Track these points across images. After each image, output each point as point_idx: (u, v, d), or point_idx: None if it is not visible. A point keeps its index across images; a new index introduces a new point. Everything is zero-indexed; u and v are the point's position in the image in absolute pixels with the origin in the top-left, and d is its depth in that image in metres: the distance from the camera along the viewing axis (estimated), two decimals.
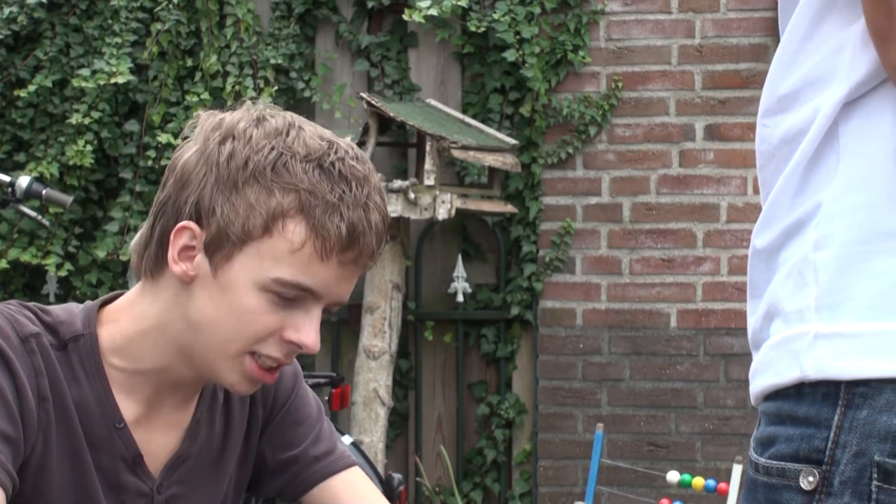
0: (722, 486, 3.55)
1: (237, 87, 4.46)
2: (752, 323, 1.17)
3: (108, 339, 1.46)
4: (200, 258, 1.41)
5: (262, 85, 4.49)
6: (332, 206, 1.37)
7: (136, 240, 1.49)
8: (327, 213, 1.37)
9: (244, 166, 1.38)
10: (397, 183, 4.02)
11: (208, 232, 1.40)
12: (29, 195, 3.35)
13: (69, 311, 1.47)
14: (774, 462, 1.10)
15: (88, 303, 1.50)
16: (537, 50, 4.40)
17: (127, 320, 1.47)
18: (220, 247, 1.40)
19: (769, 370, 1.12)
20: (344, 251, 1.39)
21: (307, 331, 1.41)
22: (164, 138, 4.38)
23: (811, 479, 1.06)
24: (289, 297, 1.39)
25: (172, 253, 1.42)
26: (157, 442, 1.51)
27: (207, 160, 1.40)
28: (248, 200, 1.38)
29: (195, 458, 1.54)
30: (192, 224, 1.40)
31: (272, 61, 4.51)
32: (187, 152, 1.43)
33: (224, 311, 1.40)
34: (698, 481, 3.57)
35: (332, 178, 1.38)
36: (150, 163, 4.45)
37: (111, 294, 1.52)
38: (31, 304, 1.46)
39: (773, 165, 1.16)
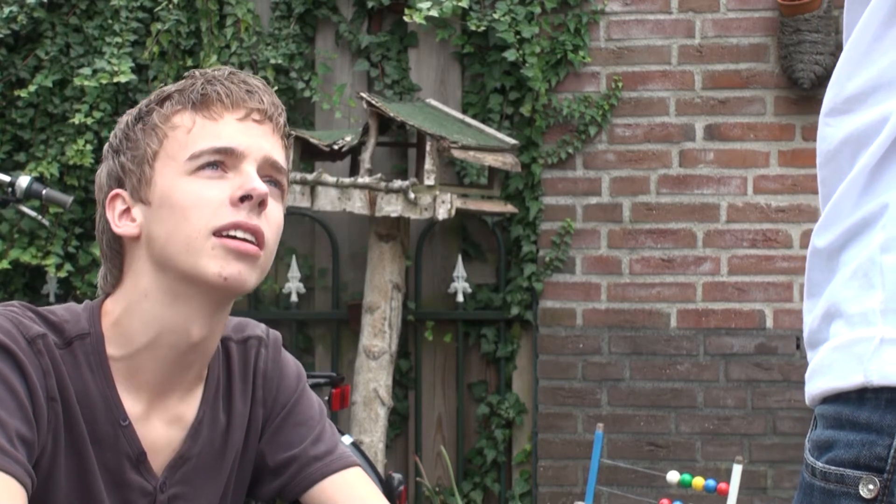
0: (722, 486, 3.55)
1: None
2: (809, 322, 1.14)
3: (108, 332, 1.49)
4: (136, 209, 1.49)
5: None
6: (204, 84, 1.50)
7: (99, 276, 1.56)
8: (201, 89, 1.50)
9: (133, 120, 1.53)
10: (397, 183, 4.01)
11: (129, 183, 1.49)
12: (29, 195, 3.35)
13: (72, 311, 1.49)
14: (833, 467, 1.07)
15: (89, 302, 1.52)
16: (537, 50, 4.40)
17: (116, 309, 1.50)
18: (141, 182, 1.48)
19: (830, 372, 1.09)
20: (233, 109, 1.49)
21: (248, 182, 1.46)
22: None
23: (871, 486, 1.03)
24: (216, 166, 1.46)
25: (114, 222, 1.49)
26: (160, 438, 1.51)
27: (110, 145, 1.54)
28: (140, 133, 1.51)
29: (197, 457, 1.54)
30: (116, 190, 1.51)
31: (272, 61, 4.51)
32: None
33: (174, 216, 1.45)
34: (698, 481, 3.57)
35: (194, 76, 1.54)
36: None
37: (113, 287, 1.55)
38: (32, 306, 1.48)
39: (833, 165, 1.13)
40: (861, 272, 1.08)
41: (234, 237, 1.44)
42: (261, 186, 1.45)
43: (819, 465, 1.09)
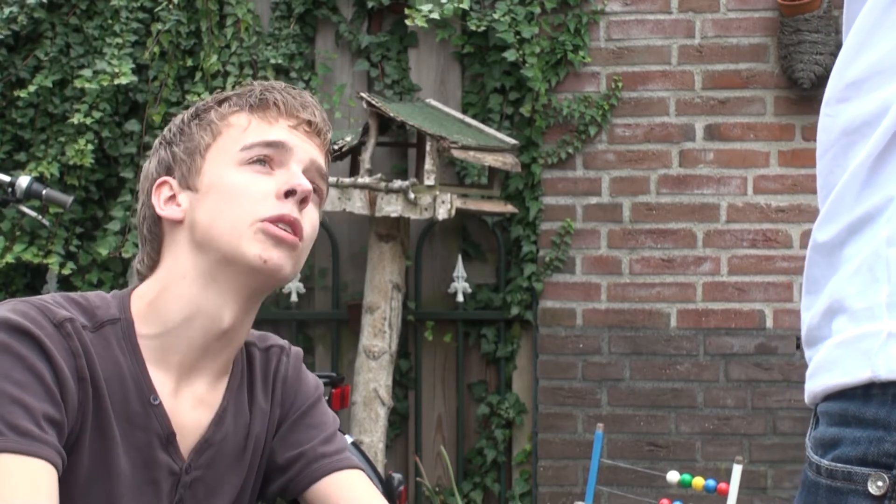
0: (722, 486, 3.55)
1: (237, 87, 4.46)
2: (809, 319, 1.12)
3: (137, 316, 1.53)
4: (182, 195, 1.55)
5: None
6: (264, 90, 1.60)
7: (136, 261, 1.61)
8: (260, 95, 1.59)
9: (190, 116, 1.60)
10: (397, 183, 4.01)
11: (179, 171, 1.56)
12: (29, 195, 3.35)
13: (103, 298, 1.55)
14: (839, 465, 1.05)
15: (117, 291, 1.57)
16: (537, 50, 4.40)
17: (150, 292, 1.55)
18: (190, 171, 1.55)
19: (835, 369, 1.07)
20: (287, 116, 1.57)
21: (295, 178, 1.54)
22: None
23: (880, 483, 1.02)
24: (264, 163, 1.54)
25: (158, 205, 1.56)
26: (187, 420, 1.55)
27: (163, 138, 1.62)
28: (195, 128, 1.58)
29: (220, 444, 1.58)
30: (164, 177, 1.57)
31: (272, 61, 4.51)
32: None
33: (221, 202, 1.52)
34: (698, 481, 3.57)
35: (252, 84, 1.63)
36: None
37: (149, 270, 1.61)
38: (66, 293, 1.53)
39: (830, 156, 1.11)
40: (866, 267, 1.06)
41: (276, 225, 1.52)
42: (306, 183, 1.53)
43: (825, 462, 1.07)
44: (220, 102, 1.60)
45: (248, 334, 1.65)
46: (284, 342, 1.72)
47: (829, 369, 1.08)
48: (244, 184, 1.52)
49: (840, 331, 1.08)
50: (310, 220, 1.56)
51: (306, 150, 1.57)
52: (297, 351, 1.73)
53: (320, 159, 1.60)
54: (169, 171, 1.57)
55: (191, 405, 1.55)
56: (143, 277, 1.59)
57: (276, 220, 1.51)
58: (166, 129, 1.62)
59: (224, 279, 1.51)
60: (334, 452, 1.64)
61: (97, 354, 1.48)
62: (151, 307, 1.53)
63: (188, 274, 1.52)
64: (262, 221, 1.50)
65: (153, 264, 1.57)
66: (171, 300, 1.52)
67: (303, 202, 1.54)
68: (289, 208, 1.52)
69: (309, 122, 1.59)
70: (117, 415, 1.48)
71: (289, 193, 1.52)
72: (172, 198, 1.56)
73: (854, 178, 1.08)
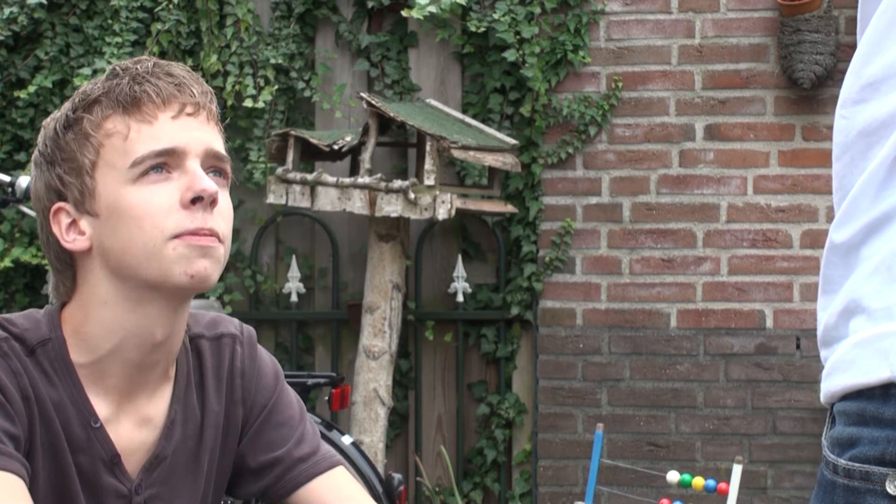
0: (722, 486, 3.55)
1: (237, 87, 4.47)
2: (825, 319, 1.12)
3: (70, 339, 1.47)
4: (83, 221, 1.46)
5: (262, 84, 4.50)
6: (131, 84, 1.45)
7: (49, 288, 1.55)
8: (129, 91, 1.44)
9: (62, 127, 1.47)
10: (397, 183, 4.01)
11: (71, 195, 1.46)
12: (29, 195, 3.35)
13: (32, 318, 1.48)
14: (857, 464, 1.05)
15: (49, 307, 1.50)
16: (537, 50, 4.40)
17: (75, 317, 1.48)
18: (83, 194, 1.45)
19: (852, 368, 1.07)
20: (165, 107, 1.45)
21: (198, 183, 1.43)
22: None
23: None
24: (159, 170, 1.43)
25: (61, 237, 1.46)
26: (132, 440, 1.50)
27: (40, 153, 1.50)
28: (73, 143, 1.46)
29: (171, 457, 1.53)
30: (58, 203, 1.47)
31: (272, 61, 4.51)
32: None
33: (126, 227, 1.43)
34: (698, 481, 3.57)
35: (117, 74, 1.48)
36: None
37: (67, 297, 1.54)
38: None
39: (847, 158, 1.11)
40: (884, 266, 1.05)
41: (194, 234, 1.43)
42: (210, 186, 1.43)
43: (842, 462, 1.07)
44: (88, 107, 1.46)
45: (196, 322, 1.59)
46: (235, 327, 1.63)
47: (846, 369, 1.08)
48: (144, 201, 1.42)
49: (857, 330, 1.08)
50: (225, 215, 1.46)
51: (199, 140, 1.45)
52: (249, 334, 1.63)
53: (214, 141, 1.48)
54: (60, 196, 1.47)
55: (133, 426, 1.50)
56: (62, 304, 1.50)
57: (190, 235, 1.42)
58: (39, 139, 1.50)
59: (149, 300, 1.44)
60: (310, 454, 1.60)
61: (38, 377, 1.43)
62: (79, 335, 1.46)
63: (109, 300, 1.45)
64: (176, 238, 1.41)
65: (69, 292, 1.49)
66: (96, 328, 1.46)
67: (212, 203, 1.44)
68: (199, 217, 1.43)
69: (191, 104, 1.46)
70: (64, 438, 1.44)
71: (195, 200, 1.43)
72: (73, 224, 1.46)
73: (872, 179, 1.08)
